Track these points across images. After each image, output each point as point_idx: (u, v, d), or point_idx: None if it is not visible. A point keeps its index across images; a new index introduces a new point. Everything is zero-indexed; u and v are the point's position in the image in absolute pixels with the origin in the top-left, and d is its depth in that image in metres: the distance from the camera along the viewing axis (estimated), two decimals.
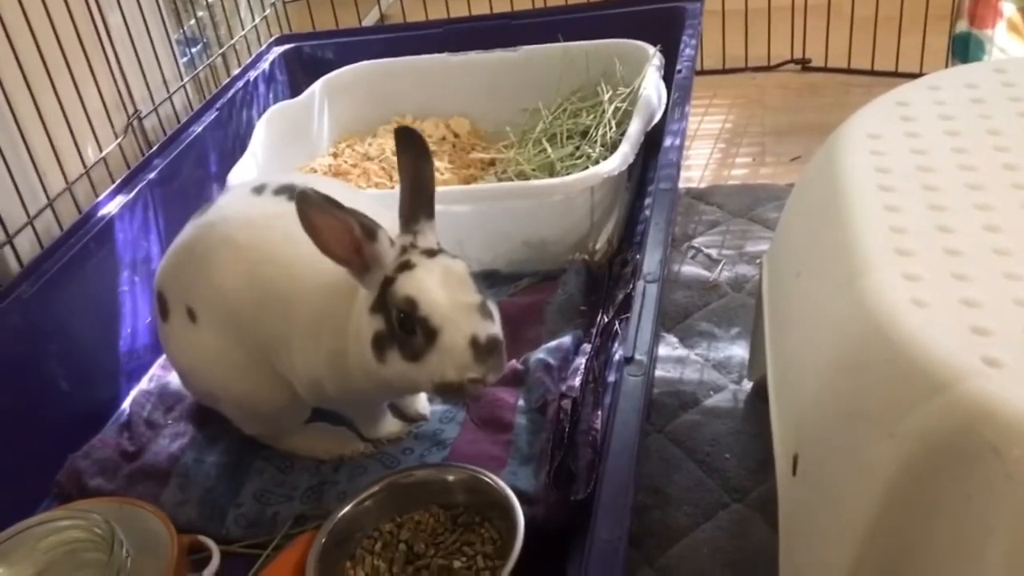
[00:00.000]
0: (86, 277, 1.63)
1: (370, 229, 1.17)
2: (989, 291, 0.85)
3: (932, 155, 1.07)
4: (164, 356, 1.67)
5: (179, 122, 2.11)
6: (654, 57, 2.03)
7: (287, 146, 2.08)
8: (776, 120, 2.43)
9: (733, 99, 2.57)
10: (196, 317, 1.39)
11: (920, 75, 1.40)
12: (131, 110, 2.07)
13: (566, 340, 1.54)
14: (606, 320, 1.54)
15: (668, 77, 1.97)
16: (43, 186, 1.79)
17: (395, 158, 1.28)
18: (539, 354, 1.52)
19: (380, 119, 2.28)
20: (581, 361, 1.46)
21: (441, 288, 1.16)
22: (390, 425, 1.48)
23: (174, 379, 1.61)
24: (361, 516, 1.28)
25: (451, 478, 1.30)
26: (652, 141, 1.83)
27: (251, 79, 2.25)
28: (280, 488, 1.42)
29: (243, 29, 2.60)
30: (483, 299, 1.19)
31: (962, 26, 2.18)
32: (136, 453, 1.50)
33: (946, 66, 2.28)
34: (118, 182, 1.82)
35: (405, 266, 1.18)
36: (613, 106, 2.00)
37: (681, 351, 1.65)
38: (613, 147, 1.85)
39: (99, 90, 1.95)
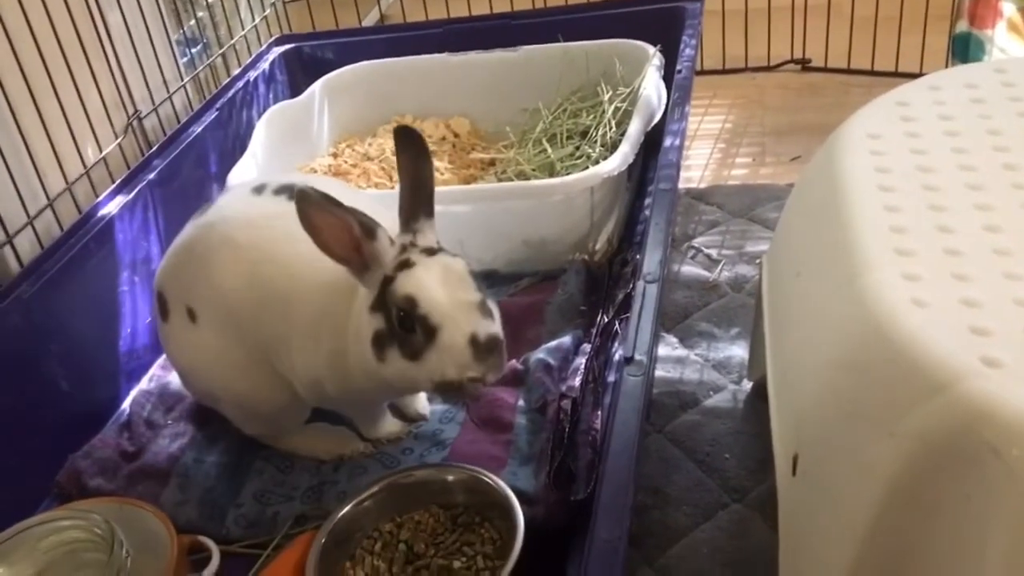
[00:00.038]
0: (86, 277, 1.63)
1: (369, 228, 1.17)
2: (989, 291, 0.85)
3: (932, 155, 1.07)
4: (164, 356, 1.67)
5: (179, 122, 2.11)
6: (654, 57, 2.03)
7: (287, 146, 2.08)
8: (776, 120, 2.43)
9: (733, 99, 2.57)
10: (196, 317, 1.39)
11: (920, 75, 1.40)
12: (131, 110, 2.07)
13: (566, 340, 1.54)
14: (606, 320, 1.54)
15: (668, 77, 1.97)
16: (43, 186, 1.79)
17: (395, 158, 1.28)
18: (539, 354, 1.52)
19: (380, 119, 2.28)
20: (581, 361, 1.46)
21: (441, 286, 1.16)
22: (390, 425, 1.48)
23: (174, 379, 1.61)
24: (361, 516, 1.28)
25: (451, 478, 1.30)
26: (652, 141, 1.83)
27: (251, 79, 2.25)
28: (280, 488, 1.42)
29: (243, 29, 2.60)
30: (483, 297, 1.19)
31: (962, 26, 2.18)
32: (136, 453, 1.50)
33: (946, 66, 2.28)
34: (118, 182, 1.82)
35: (405, 264, 1.18)
36: (613, 106, 2.00)
37: (681, 351, 1.65)
38: (613, 147, 1.85)
39: (99, 90, 1.96)
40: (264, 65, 2.33)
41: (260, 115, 2.11)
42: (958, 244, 0.92)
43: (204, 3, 2.49)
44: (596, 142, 1.94)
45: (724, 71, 2.68)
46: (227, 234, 1.36)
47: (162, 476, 1.43)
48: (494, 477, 1.26)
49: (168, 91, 2.21)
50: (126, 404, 1.64)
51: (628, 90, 2.03)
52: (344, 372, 1.29)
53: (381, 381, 1.23)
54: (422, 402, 1.52)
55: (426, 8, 2.79)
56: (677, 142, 1.68)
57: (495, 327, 1.18)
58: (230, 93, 2.16)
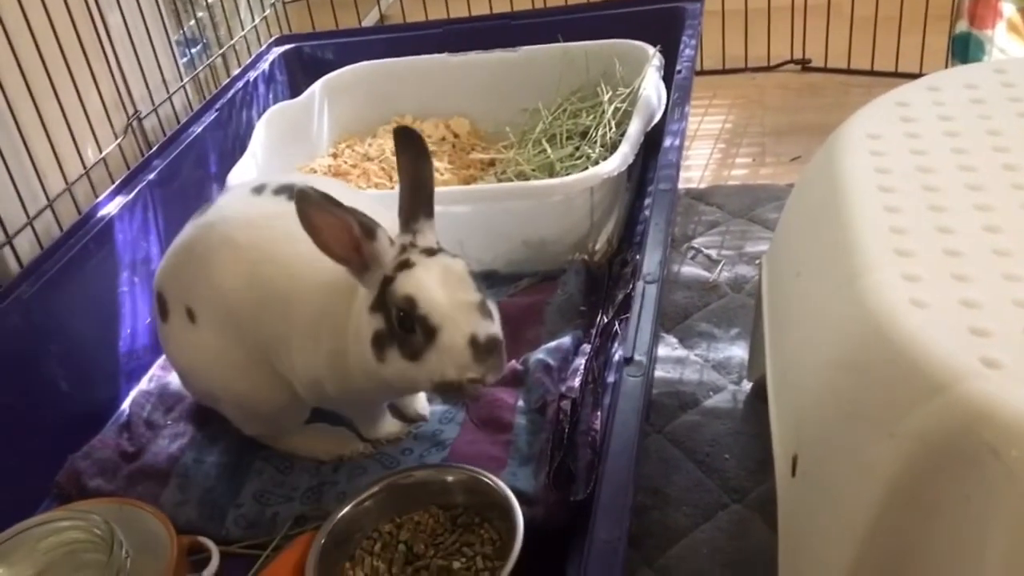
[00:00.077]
0: (86, 278, 1.63)
1: (369, 228, 1.17)
2: (988, 292, 0.85)
3: (932, 155, 1.07)
4: (164, 356, 1.67)
5: (179, 123, 2.11)
6: (654, 57, 2.03)
7: (287, 146, 2.08)
8: (776, 120, 2.43)
9: (733, 99, 2.57)
10: (195, 317, 1.39)
11: (920, 75, 1.40)
12: (131, 111, 2.07)
13: (566, 340, 1.54)
14: (606, 320, 1.54)
15: (668, 77, 1.97)
16: (43, 187, 1.79)
17: (395, 158, 1.28)
18: (539, 354, 1.52)
19: (380, 119, 2.28)
20: (581, 361, 1.46)
21: (440, 287, 1.16)
22: (389, 425, 1.48)
23: (174, 379, 1.61)
24: (360, 517, 1.28)
25: (450, 479, 1.30)
26: (652, 141, 1.83)
27: (251, 79, 2.25)
28: (280, 489, 1.42)
29: (243, 29, 2.60)
30: (483, 298, 1.19)
31: (962, 26, 2.18)
32: (136, 454, 1.50)
33: (946, 66, 2.28)
34: (118, 183, 1.82)
35: (404, 265, 1.18)
36: (613, 106, 2.00)
37: (681, 352, 1.65)
38: (613, 147, 1.85)
39: (99, 91, 1.96)
40: (264, 65, 2.33)
41: (260, 115, 2.11)
42: (958, 245, 0.92)
43: (204, 3, 2.49)
44: (596, 142, 1.94)
45: (724, 71, 2.68)
46: (227, 234, 1.36)
47: (162, 476, 1.43)
48: (494, 478, 1.26)
49: (168, 91, 2.21)
50: (126, 404, 1.64)
51: (628, 90, 2.03)
52: (344, 372, 1.29)
53: (381, 381, 1.23)
54: (422, 403, 1.52)
55: (426, 8, 2.79)
56: (677, 142, 1.68)
57: (495, 328, 1.18)
58: (230, 93, 2.16)
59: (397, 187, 1.26)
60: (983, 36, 2.14)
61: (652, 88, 1.91)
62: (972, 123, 1.12)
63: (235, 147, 2.08)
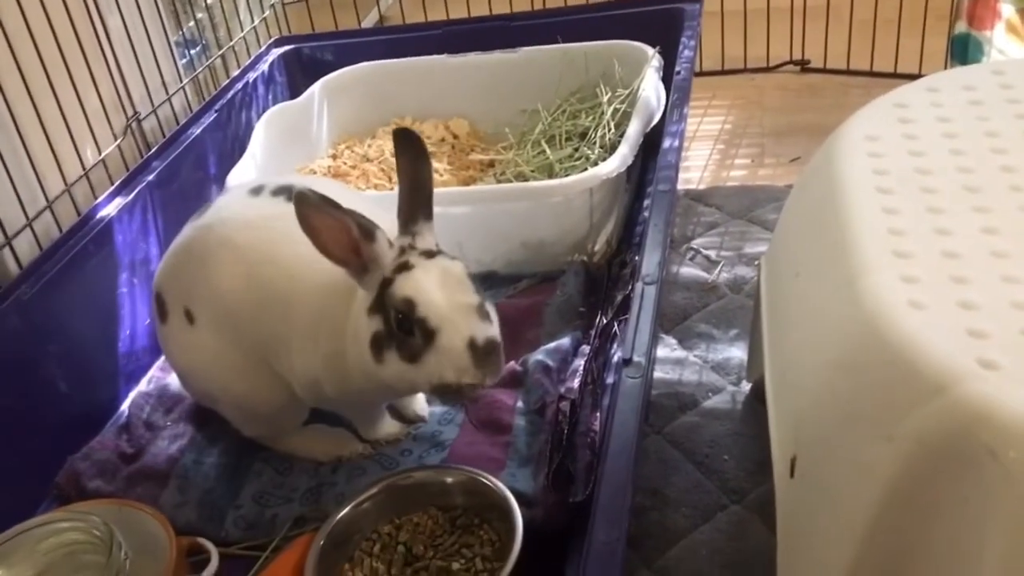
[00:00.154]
0: (85, 279, 1.63)
1: (368, 230, 1.17)
2: (986, 293, 0.85)
3: (930, 157, 1.07)
4: (163, 358, 1.67)
5: (178, 124, 2.11)
6: (653, 58, 2.03)
7: (286, 148, 2.08)
8: (775, 121, 2.43)
9: (732, 100, 2.57)
10: (194, 318, 1.39)
11: (919, 76, 1.40)
12: (130, 112, 2.07)
13: (565, 342, 1.54)
14: (605, 322, 1.54)
15: (667, 78, 1.97)
16: (42, 188, 1.79)
17: (394, 160, 1.28)
18: (538, 356, 1.52)
19: (379, 120, 2.28)
20: (580, 363, 1.47)
21: (439, 289, 1.16)
22: (389, 426, 1.48)
23: (173, 381, 1.61)
24: (360, 518, 1.28)
25: (450, 480, 1.30)
26: (651, 142, 1.84)
27: (250, 80, 2.26)
28: (279, 490, 1.42)
29: (242, 31, 2.60)
30: (481, 300, 1.19)
31: (961, 27, 2.19)
32: (135, 455, 1.50)
33: (945, 67, 2.28)
34: (117, 184, 1.82)
35: (403, 267, 1.18)
36: (612, 107, 2.00)
37: (680, 352, 1.65)
38: (612, 148, 1.85)
39: (98, 92, 1.96)
40: (263, 66, 2.33)
41: (259, 116, 2.11)
42: (956, 246, 0.92)
43: (203, 5, 2.49)
44: (595, 143, 1.94)
45: (723, 72, 2.68)
46: (225, 235, 1.36)
47: (161, 478, 1.43)
48: (493, 479, 1.26)
49: (167, 93, 2.21)
50: (125, 406, 1.64)
51: (627, 91, 2.03)
52: (342, 373, 1.29)
53: (379, 383, 1.23)
54: (421, 404, 1.52)
55: (425, 9, 2.79)
56: (676, 143, 1.68)
57: (493, 330, 1.18)
58: (229, 94, 2.16)
59: (396, 188, 1.26)
60: (982, 37, 2.14)
61: (651, 89, 1.92)
62: (970, 124, 1.12)
63: (234, 148, 2.08)
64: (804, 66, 2.64)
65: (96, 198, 1.81)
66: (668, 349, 1.67)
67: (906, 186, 1.02)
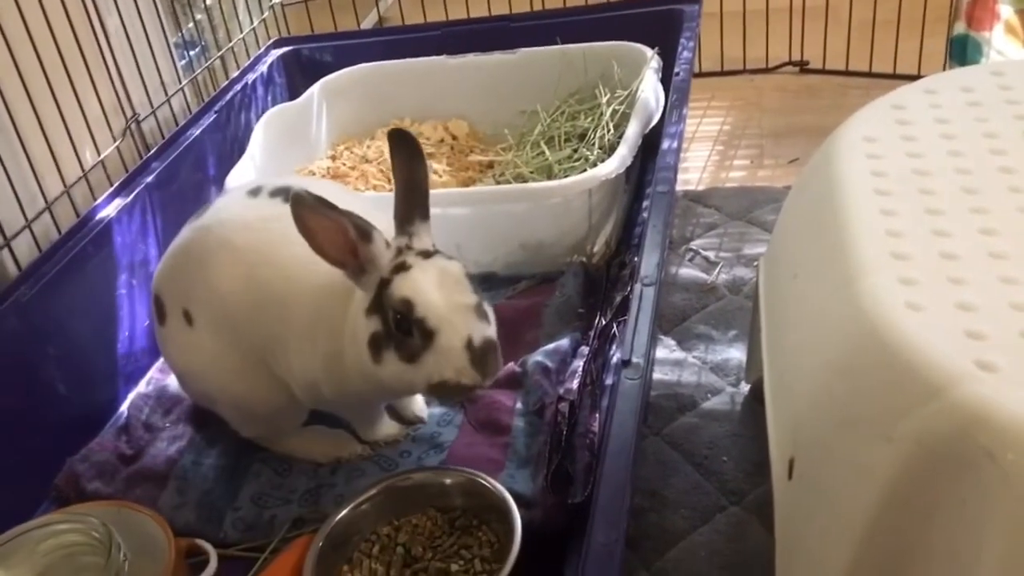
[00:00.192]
0: (84, 280, 1.63)
1: (365, 231, 1.17)
2: (984, 295, 0.85)
3: (928, 158, 1.07)
4: (162, 359, 1.67)
5: (177, 125, 2.11)
6: (652, 59, 2.03)
7: (285, 149, 2.08)
8: (774, 122, 2.44)
9: (731, 101, 2.57)
10: (193, 320, 1.39)
11: (918, 77, 1.40)
12: (129, 113, 2.07)
13: (564, 343, 1.54)
14: (604, 323, 1.54)
15: (666, 79, 1.97)
16: (41, 189, 1.79)
17: None
18: (537, 357, 1.52)
19: (378, 121, 2.28)
20: (579, 364, 1.47)
21: (437, 289, 1.16)
22: (387, 428, 1.48)
23: (172, 382, 1.62)
24: (358, 519, 1.28)
25: (448, 481, 1.30)
26: (650, 143, 1.84)
27: (249, 82, 2.26)
28: (278, 491, 1.42)
29: (241, 32, 2.60)
30: (479, 300, 1.19)
31: (960, 28, 2.19)
32: (134, 456, 1.50)
33: (944, 68, 2.28)
34: (116, 185, 1.82)
35: (401, 268, 1.18)
36: (611, 108, 2.00)
37: (679, 354, 1.65)
38: (611, 149, 1.85)
39: (97, 93, 1.95)
40: (262, 68, 2.33)
41: (258, 118, 2.11)
42: (954, 248, 0.92)
43: (202, 6, 2.49)
44: (594, 144, 1.94)
45: (722, 73, 2.68)
46: (224, 237, 1.36)
47: (160, 479, 1.43)
48: (492, 480, 1.26)
49: (166, 94, 2.21)
50: (124, 407, 1.64)
51: (626, 92, 2.03)
52: (341, 374, 1.29)
53: (377, 383, 1.23)
54: (420, 405, 1.52)
55: (424, 10, 2.79)
56: (675, 144, 1.68)
57: (491, 331, 1.18)
58: (228, 96, 2.16)
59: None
60: (981, 38, 2.14)
61: (650, 90, 1.92)
62: (969, 126, 1.12)
63: (234, 149, 2.08)
64: (803, 67, 2.64)
65: (95, 199, 1.81)
66: (667, 350, 1.67)
67: (904, 187, 1.03)
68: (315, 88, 2.23)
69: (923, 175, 1.04)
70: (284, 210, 1.19)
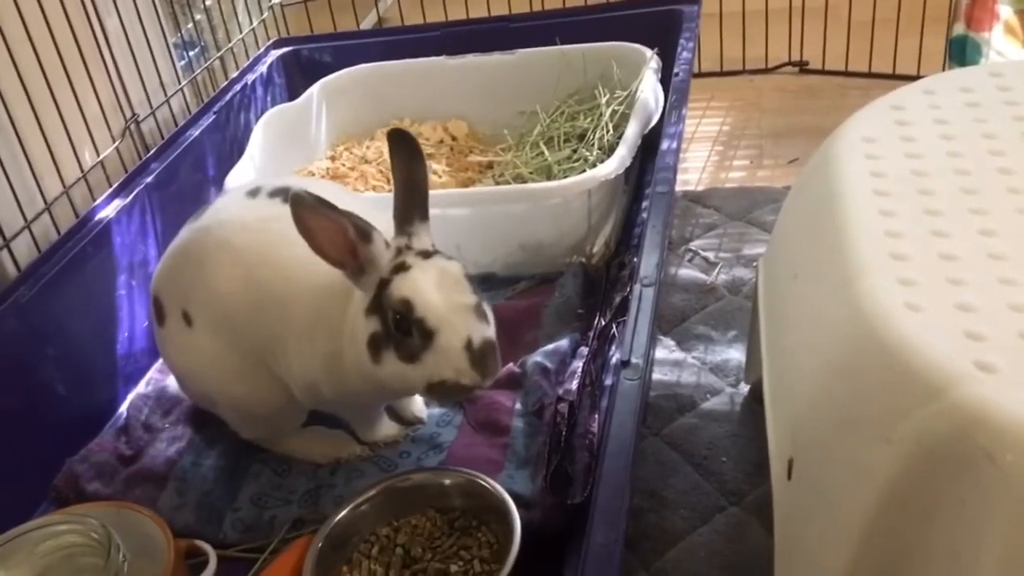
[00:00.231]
0: (83, 281, 1.63)
1: (364, 231, 1.17)
2: (984, 296, 0.85)
3: (927, 159, 1.07)
4: (161, 360, 1.67)
5: (176, 126, 2.11)
6: (651, 60, 2.03)
7: (285, 149, 2.08)
8: (773, 122, 2.44)
9: (730, 101, 2.57)
10: (192, 321, 1.39)
11: (917, 77, 1.40)
12: (128, 114, 2.07)
13: (563, 343, 1.54)
14: (603, 323, 1.54)
15: (665, 80, 1.97)
16: (40, 190, 1.79)
17: None
18: (536, 357, 1.52)
19: (378, 122, 2.28)
20: (578, 364, 1.47)
21: (437, 290, 1.16)
22: (387, 428, 1.48)
23: (171, 383, 1.62)
24: (358, 520, 1.28)
25: (448, 482, 1.30)
26: (649, 144, 1.84)
27: (249, 82, 2.25)
28: (277, 492, 1.42)
29: (241, 32, 2.60)
30: (479, 300, 1.19)
31: (959, 29, 2.19)
32: (133, 457, 1.50)
33: (943, 69, 2.28)
34: (115, 186, 1.81)
35: (400, 268, 1.18)
36: (610, 109, 2.00)
37: (678, 354, 1.65)
38: (610, 150, 1.85)
39: (96, 94, 1.95)
40: (262, 68, 2.33)
41: (258, 118, 2.11)
42: (953, 249, 0.92)
43: (202, 6, 2.49)
44: (593, 145, 1.94)
45: (721, 73, 2.68)
46: (223, 238, 1.36)
47: (159, 480, 1.43)
48: (491, 481, 1.26)
49: (166, 94, 2.21)
50: (123, 408, 1.64)
51: (625, 93, 2.03)
52: (340, 374, 1.29)
53: (376, 383, 1.23)
54: (419, 405, 1.52)
55: (424, 11, 2.79)
56: (674, 145, 1.68)
57: (490, 331, 1.18)
58: (228, 96, 2.16)
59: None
60: (980, 38, 2.14)
61: (649, 90, 1.92)
62: (968, 127, 1.12)
63: (233, 150, 2.08)
64: (802, 67, 2.64)
65: (94, 200, 1.81)
66: (666, 351, 1.67)
67: (903, 188, 1.03)
68: (314, 89, 2.23)
69: (922, 176, 1.04)
70: (283, 211, 1.20)
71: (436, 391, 1.18)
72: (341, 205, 1.17)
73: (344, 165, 2.11)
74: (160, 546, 1.23)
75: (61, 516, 1.26)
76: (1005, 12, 2.08)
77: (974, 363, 0.77)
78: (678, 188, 2.09)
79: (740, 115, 2.50)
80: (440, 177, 2.03)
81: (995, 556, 0.73)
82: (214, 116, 2.08)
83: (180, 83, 2.29)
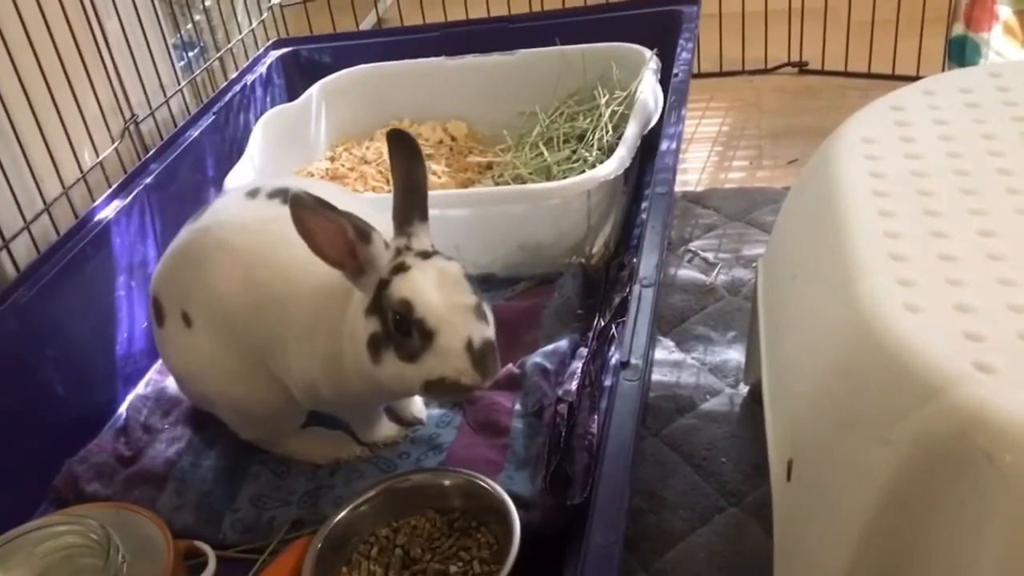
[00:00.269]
0: (83, 282, 1.63)
1: (364, 231, 1.17)
2: (983, 296, 0.85)
3: (927, 160, 1.07)
4: (160, 360, 1.67)
5: (176, 126, 2.11)
6: (651, 60, 2.03)
7: (284, 150, 2.08)
8: (773, 123, 2.44)
9: (730, 102, 2.57)
10: (191, 321, 1.39)
11: (917, 78, 1.40)
12: (128, 115, 2.07)
13: (563, 344, 1.54)
14: (602, 324, 1.54)
15: (665, 80, 1.97)
16: (39, 191, 1.79)
17: None
18: (536, 358, 1.52)
19: (377, 123, 2.28)
20: (577, 365, 1.47)
21: (436, 290, 1.16)
22: (386, 429, 1.48)
23: (171, 383, 1.61)
24: (357, 521, 1.28)
25: (447, 483, 1.30)
26: (649, 145, 1.84)
27: (248, 83, 2.25)
28: (276, 493, 1.42)
29: (240, 33, 2.60)
30: (479, 301, 1.19)
31: (958, 29, 2.19)
32: (133, 458, 1.50)
33: (943, 69, 2.28)
34: (115, 187, 1.81)
35: (400, 268, 1.18)
36: (610, 110, 2.00)
37: (677, 355, 1.65)
38: (610, 151, 1.85)
39: (96, 95, 1.95)
40: (261, 69, 2.33)
41: (257, 119, 2.10)
42: (952, 249, 0.92)
43: (201, 7, 2.49)
44: (593, 146, 1.94)
45: (721, 74, 2.68)
46: (222, 238, 1.36)
47: (159, 481, 1.43)
48: (490, 482, 1.26)
49: (165, 95, 2.21)
50: (123, 409, 1.64)
51: (625, 94, 2.03)
52: (339, 375, 1.29)
53: (376, 384, 1.23)
54: (418, 406, 1.52)
55: (423, 12, 2.79)
56: (673, 146, 1.68)
57: (489, 331, 1.18)
58: (227, 97, 2.16)
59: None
60: (979, 39, 2.14)
61: (649, 91, 1.92)
62: (967, 127, 1.12)
63: (232, 151, 2.08)
64: (802, 68, 2.64)
65: (94, 201, 1.81)
66: (666, 351, 1.67)
67: (903, 188, 1.03)
68: (314, 89, 2.23)
69: (921, 176, 1.04)
70: (283, 211, 1.19)
71: (435, 389, 1.18)
72: (340, 206, 1.17)
73: (343, 166, 2.11)
74: (159, 547, 1.23)
75: (60, 517, 1.26)
76: (1004, 12, 2.08)
77: (973, 364, 0.77)
78: (677, 189, 2.09)
79: (739, 116, 2.50)
80: (439, 178, 2.03)
81: (994, 556, 0.73)
82: (213, 117, 2.08)
83: (179, 84, 2.29)
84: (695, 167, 2.28)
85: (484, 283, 1.75)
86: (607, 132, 1.96)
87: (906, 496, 0.80)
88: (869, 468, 0.82)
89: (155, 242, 1.81)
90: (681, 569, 1.27)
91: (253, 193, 1.39)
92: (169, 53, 2.28)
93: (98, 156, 1.96)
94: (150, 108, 2.14)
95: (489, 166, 2.09)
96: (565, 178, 1.78)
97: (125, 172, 1.94)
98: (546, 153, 1.97)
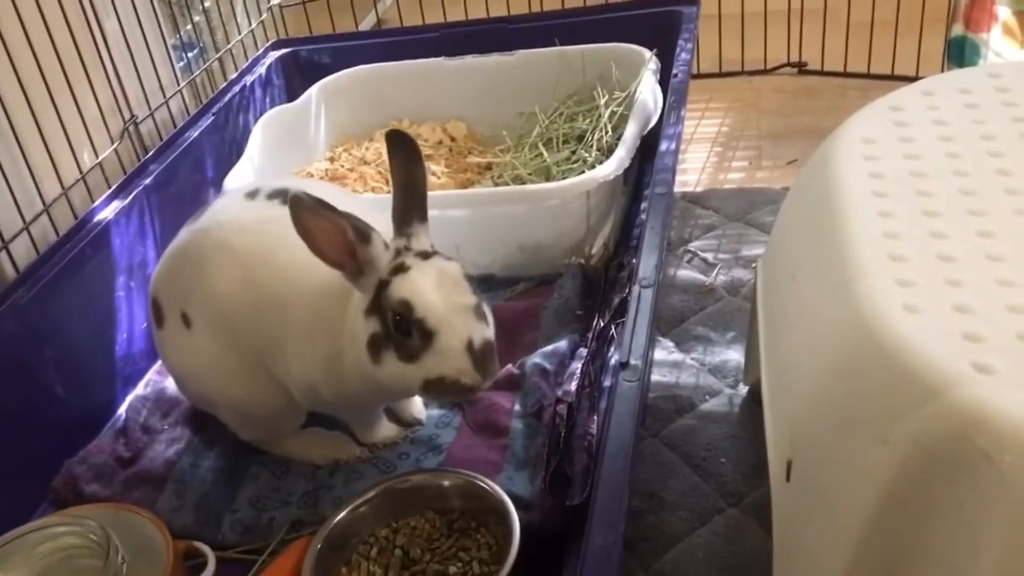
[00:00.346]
0: (82, 282, 1.63)
1: (363, 232, 1.17)
2: (982, 297, 0.85)
3: (926, 160, 1.07)
4: (160, 361, 1.67)
5: (175, 127, 2.11)
6: (650, 61, 2.03)
7: (284, 151, 2.08)
8: (772, 123, 2.44)
9: (729, 103, 2.57)
10: (191, 322, 1.39)
11: (916, 78, 1.40)
12: (127, 115, 2.07)
13: (562, 344, 1.54)
14: (602, 324, 1.54)
15: (664, 81, 1.97)
16: (39, 192, 1.79)
17: None
18: (535, 358, 1.52)
19: (377, 123, 2.28)
20: (577, 366, 1.47)
21: (436, 290, 1.16)
22: (386, 430, 1.48)
23: (170, 384, 1.61)
24: (357, 521, 1.28)
25: (447, 483, 1.30)
26: (648, 145, 1.84)
27: (248, 84, 2.25)
28: (276, 493, 1.42)
29: (239, 34, 2.60)
30: (478, 301, 1.19)
31: (958, 30, 2.19)
32: (132, 459, 1.50)
33: (942, 70, 2.28)
34: (114, 187, 1.81)
35: (400, 269, 1.18)
36: (609, 110, 2.00)
37: (677, 355, 1.65)
38: (609, 151, 1.85)
39: (95, 96, 1.95)
40: (261, 69, 2.33)
41: (257, 119, 2.10)
42: (951, 250, 0.92)
43: (201, 8, 2.49)
44: (592, 146, 1.94)
45: (720, 74, 2.68)
46: (221, 239, 1.36)
47: (158, 481, 1.43)
48: (490, 482, 1.26)
49: (164, 96, 2.21)
50: (122, 409, 1.64)
51: (624, 94, 2.03)
52: (339, 376, 1.29)
53: (375, 384, 1.23)
54: (418, 407, 1.52)
55: (423, 12, 2.79)
56: (673, 146, 1.68)
57: (489, 332, 1.18)
58: (227, 98, 2.16)
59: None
60: (979, 39, 2.14)
61: (648, 92, 1.92)
62: (966, 128, 1.12)
63: (232, 151, 2.08)
64: (801, 68, 2.64)
65: (93, 202, 1.81)
66: (665, 352, 1.67)
67: (902, 189, 1.03)
68: (313, 90, 2.23)
69: (921, 177, 1.04)
70: (282, 212, 1.19)
71: (434, 389, 1.18)
72: (340, 206, 1.17)
73: (343, 166, 2.11)
74: (159, 547, 1.23)
75: (60, 518, 1.26)
76: (1004, 13, 2.08)
77: (972, 364, 0.77)
78: (677, 189, 2.09)
79: (739, 116, 2.50)
80: (439, 178, 2.03)
81: (993, 557, 0.73)
82: (213, 117, 2.08)
83: (179, 84, 2.29)
84: (694, 167, 2.28)
85: (484, 283, 1.74)
86: (606, 133, 1.96)
87: (905, 497, 0.80)
88: (868, 469, 0.82)
89: (154, 243, 1.81)
90: (680, 570, 1.27)
91: (252, 194, 1.39)
92: (168, 54, 2.28)
93: (97, 157, 1.96)
94: (149, 109, 2.14)
95: (488, 167, 2.09)
96: (564, 179, 1.78)
97: (124, 173, 1.94)
98: (545, 154, 1.97)
